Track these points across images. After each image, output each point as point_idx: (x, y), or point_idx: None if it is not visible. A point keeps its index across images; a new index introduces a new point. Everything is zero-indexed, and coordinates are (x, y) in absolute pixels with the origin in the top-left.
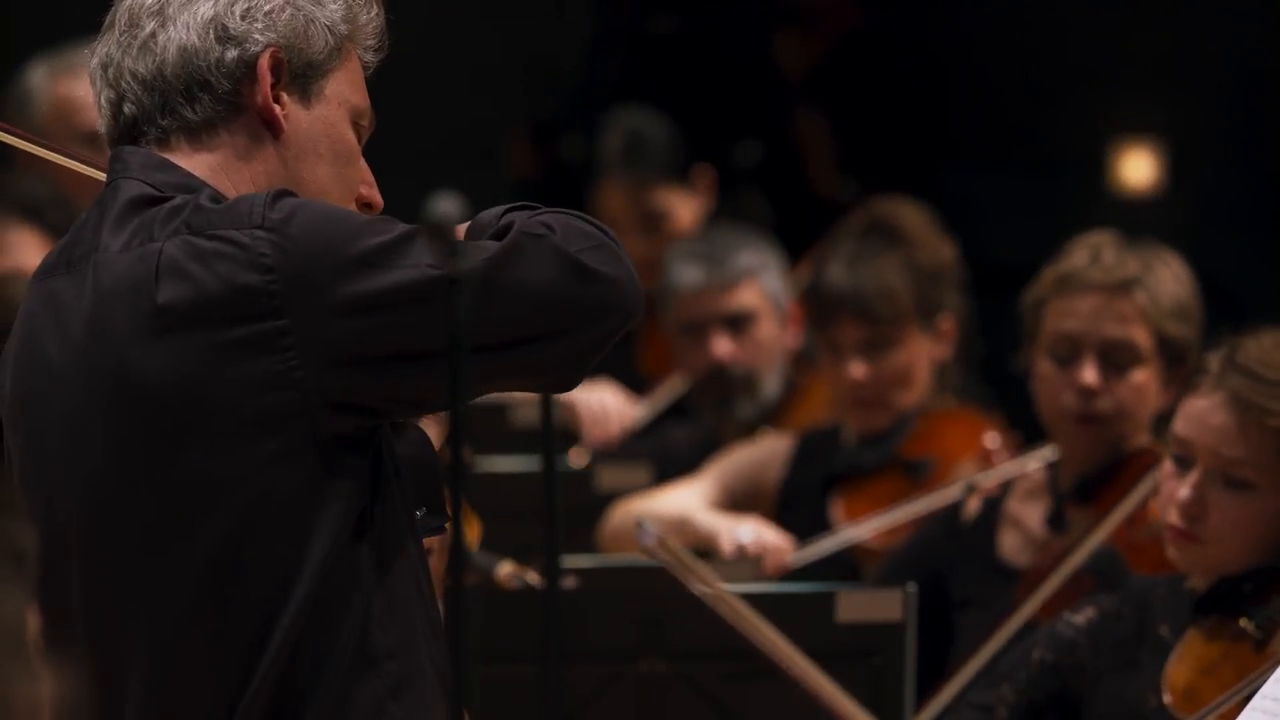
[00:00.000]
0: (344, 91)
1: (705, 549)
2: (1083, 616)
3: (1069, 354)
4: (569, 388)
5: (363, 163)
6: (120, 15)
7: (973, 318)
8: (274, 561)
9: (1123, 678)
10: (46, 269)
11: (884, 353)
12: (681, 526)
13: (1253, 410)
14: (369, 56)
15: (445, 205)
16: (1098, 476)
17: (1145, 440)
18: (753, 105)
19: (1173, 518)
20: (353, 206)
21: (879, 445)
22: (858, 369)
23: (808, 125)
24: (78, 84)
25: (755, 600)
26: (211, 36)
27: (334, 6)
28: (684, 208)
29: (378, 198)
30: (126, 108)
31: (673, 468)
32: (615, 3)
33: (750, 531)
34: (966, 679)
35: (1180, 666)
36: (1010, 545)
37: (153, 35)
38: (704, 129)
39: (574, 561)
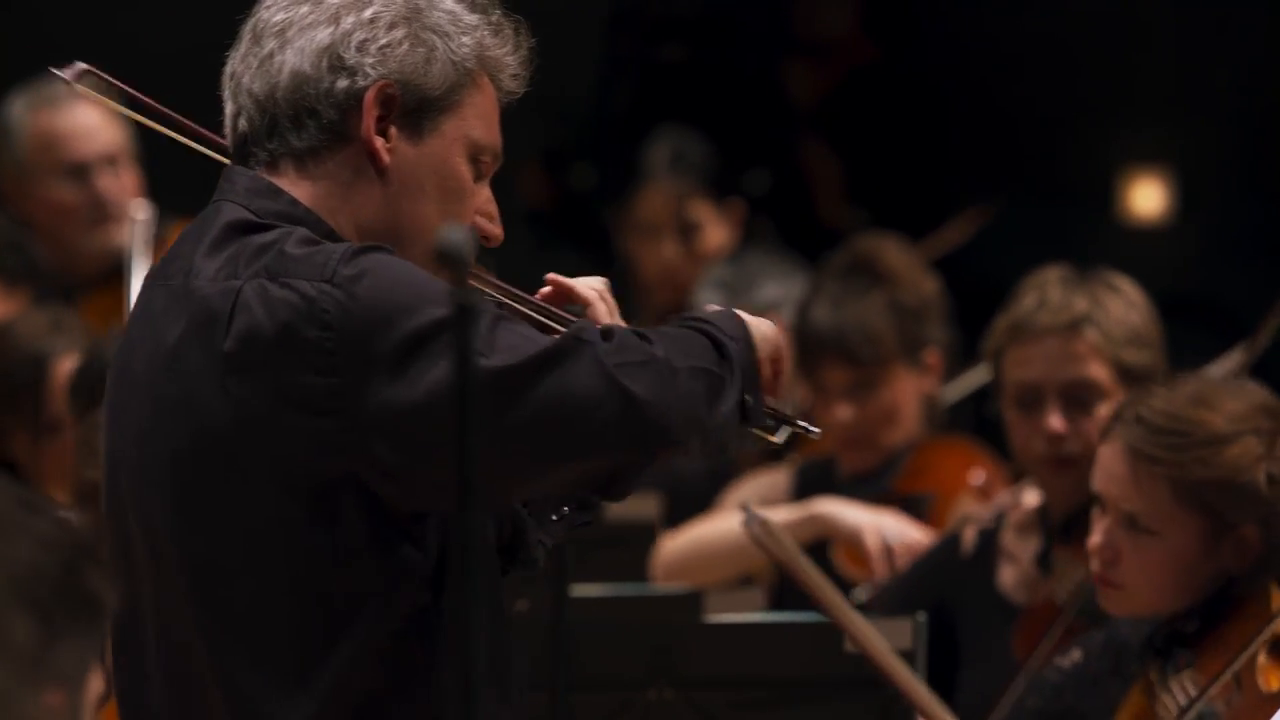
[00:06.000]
0: (465, 126)
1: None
2: (1069, 660)
3: (1032, 401)
4: (614, 499)
5: (483, 195)
6: (248, 28)
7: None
8: (304, 624)
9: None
10: (152, 274)
11: (870, 393)
12: (812, 522)
13: (1143, 460)
14: (510, 85)
15: (456, 234)
16: (1081, 515)
17: None
18: (762, 135)
19: (1093, 564)
20: None
21: (872, 484)
22: (844, 412)
23: (817, 155)
24: (58, 116)
25: (763, 629)
26: (324, 65)
27: (464, 40)
28: (716, 228)
29: (496, 230)
30: (241, 123)
31: (684, 497)
32: (626, 32)
33: (895, 530)
34: None
35: None
36: (1009, 579)
37: (271, 55)
38: (713, 158)
39: (582, 590)
